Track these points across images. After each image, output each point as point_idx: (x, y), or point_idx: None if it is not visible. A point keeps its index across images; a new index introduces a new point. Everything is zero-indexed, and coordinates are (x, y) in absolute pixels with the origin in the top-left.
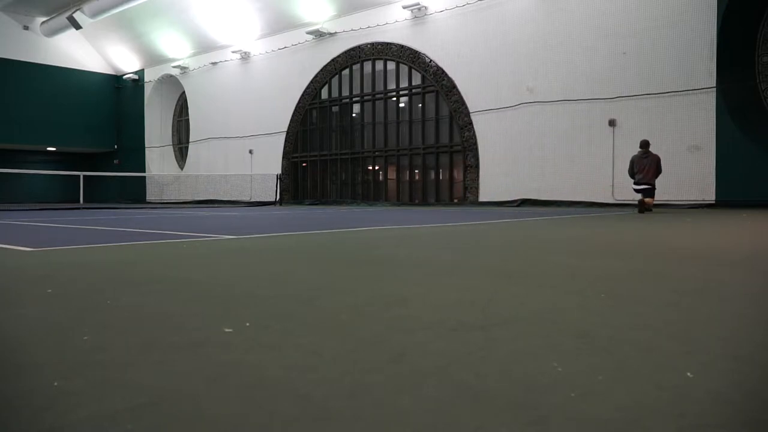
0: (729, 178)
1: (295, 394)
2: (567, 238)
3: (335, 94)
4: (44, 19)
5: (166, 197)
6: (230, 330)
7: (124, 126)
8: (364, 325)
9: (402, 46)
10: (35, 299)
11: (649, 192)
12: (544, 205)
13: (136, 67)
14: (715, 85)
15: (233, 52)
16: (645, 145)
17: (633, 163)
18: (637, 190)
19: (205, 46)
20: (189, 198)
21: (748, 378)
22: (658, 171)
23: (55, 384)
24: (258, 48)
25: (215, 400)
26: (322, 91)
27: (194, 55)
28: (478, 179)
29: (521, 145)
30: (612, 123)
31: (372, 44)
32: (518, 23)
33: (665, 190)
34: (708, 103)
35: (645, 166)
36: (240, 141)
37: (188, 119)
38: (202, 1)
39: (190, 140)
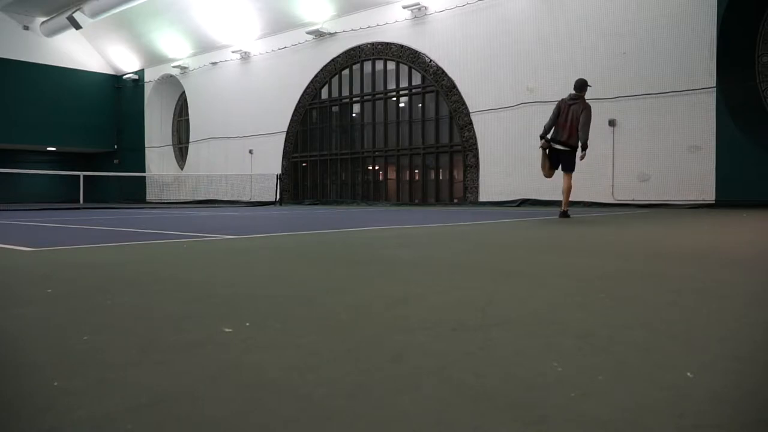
0: (729, 178)
1: (295, 394)
2: (567, 238)
3: (335, 94)
4: (44, 19)
5: (166, 197)
6: (230, 330)
7: (124, 126)
8: (364, 325)
9: (402, 46)
10: (35, 299)
11: (567, 159)
12: (544, 205)
13: (136, 67)
14: (715, 85)
15: (233, 52)
16: (580, 87)
17: (559, 109)
18: (549, 151)
19: (205, 46)
20: (189, 198)
21: (748, 378)
22: (578, 127)
23: (55, 384)
24: (258, 48)
25: (215, 400)
26: (322, 91)
27: (194, 55)
28: (478, 179)
29: (521, 145)
30: (612, 123)
31: (372, 44)
32: (518, 23)
33: (665, 190)
34: (708, 103)
35: (569, 117)
36: (240, 141)
37: (188, 119)
38: (202, 1)
39: (190, 140)
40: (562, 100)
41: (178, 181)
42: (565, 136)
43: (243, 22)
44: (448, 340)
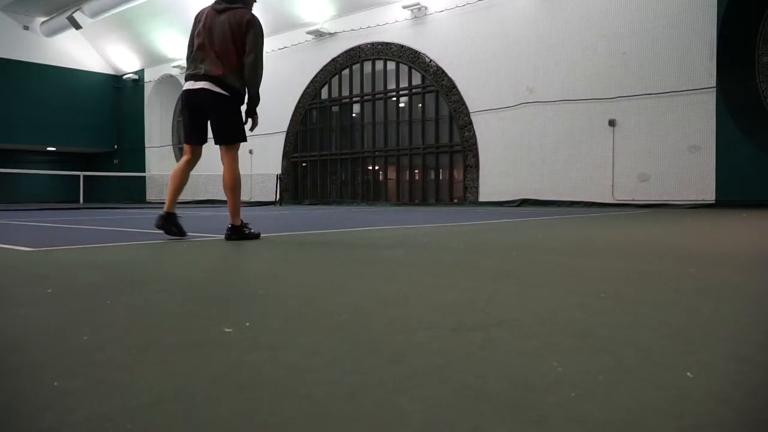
0: (729, 178)
1: (295, 394)
2: (567, 238)
3: (335, 94)
4: (44, 19)
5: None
6: (230, 330)
7: (124, 126)
8: (364, 325)
9: (402, 46)
10: (35, 299)
11: (221, 117)
12: (544, 205)
13: (136, 67)
14: (715, 85)
15: None
16: None
17: (197, 22)
18: (187, 108)
19: None
20: (189, 198)
21: (748, 378)
22: (241, 49)
23: (55, 384)
24: None
25: (215, 400)
26: (322, 91)
27: None
28: (478, 179)
29: (521, 145)
30: (612, 123)
31: (372, 44)
32: (518, 23)
33: (665, 190)
34: (708, 103)
35: (215, 34)
36: None
37: None
38: (202, 2)
39: None
40: (203, 9)
41: None
42: (212, 66)
43: None
44: (448, 340)
